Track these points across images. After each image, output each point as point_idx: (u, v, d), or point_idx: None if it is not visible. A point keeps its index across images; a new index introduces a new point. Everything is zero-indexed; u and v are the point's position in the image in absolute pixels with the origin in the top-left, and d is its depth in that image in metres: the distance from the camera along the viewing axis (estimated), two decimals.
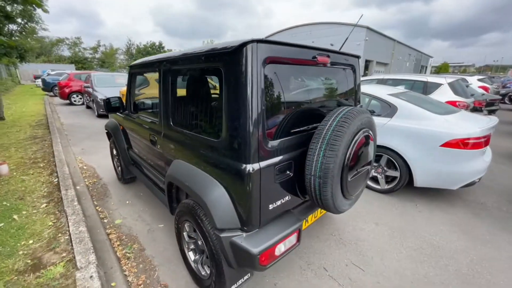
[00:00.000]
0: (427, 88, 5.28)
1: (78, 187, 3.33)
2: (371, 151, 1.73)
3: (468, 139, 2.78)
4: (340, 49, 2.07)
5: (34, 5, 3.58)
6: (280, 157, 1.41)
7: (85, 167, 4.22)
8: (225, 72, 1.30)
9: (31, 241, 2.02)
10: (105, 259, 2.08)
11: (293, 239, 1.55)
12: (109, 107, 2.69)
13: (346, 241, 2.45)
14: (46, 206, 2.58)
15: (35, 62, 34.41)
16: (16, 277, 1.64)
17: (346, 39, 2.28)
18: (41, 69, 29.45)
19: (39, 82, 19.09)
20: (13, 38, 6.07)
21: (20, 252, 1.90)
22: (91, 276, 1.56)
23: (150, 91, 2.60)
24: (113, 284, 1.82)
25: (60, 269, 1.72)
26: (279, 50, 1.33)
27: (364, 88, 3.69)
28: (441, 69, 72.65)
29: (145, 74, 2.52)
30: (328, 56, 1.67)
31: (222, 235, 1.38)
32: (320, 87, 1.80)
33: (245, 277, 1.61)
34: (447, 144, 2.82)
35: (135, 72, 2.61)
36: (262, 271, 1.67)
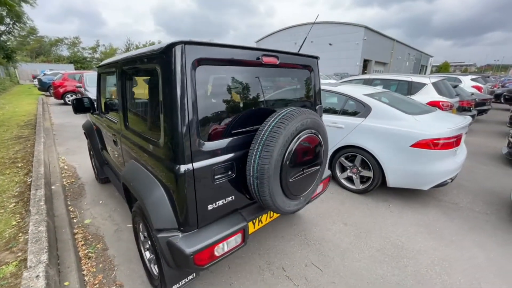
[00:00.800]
0: (411, 88, 5.27)
1: (53, 187, 3.34)
2: (320, 152, 1.73)
3: (438, 139, 2.77)
4: (299, 50, 2.08)
5: (6, 6, 3.57)
6: (218, 158, 1.42)
7: (66, 167, 4.25)
8: (159, 73, 1.31)
9: (8, 232, 2.05)
10: (65, 258, 2.09)
11: (237, 239, 1.56)
12: (76, 107, 2.71)
13: (311, 241, 2.46)
14: (14, 206, 2.60)
15: (34, 62, 34.53)
16: None
17: (305, 38, 2.28)
18: (39, 69, 29.56)
19: (36, 82, 19.18)
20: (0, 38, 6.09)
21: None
22: (37, 276, 1.57)
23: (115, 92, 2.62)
24: (66, 283, 1.83)
25: (11, 269, 1.74)
26: (214, 51, 1.34)
27: (342, 88, 3.69)
28: (441, 69, 72.40)
29: (109, 75, 2.54)
30: (277, 57, 1.67)
31: (159, 235, 1.39)
32: (268, 88, 1.80)
33: (189, 277, 1.62)
34: (417, 145, 2.82)
35: (102, 72, 2.63)
36: (200, 271, 1.66)
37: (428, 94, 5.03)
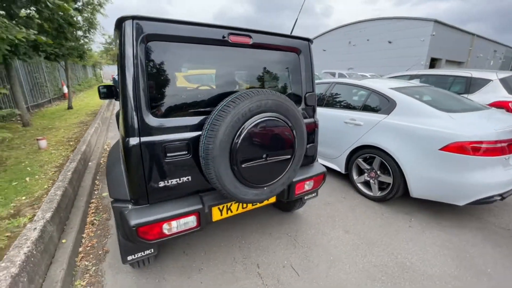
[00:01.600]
0: (470, 86, 4.32)
1: (90, 163, 3.90)
2: (290, 140, 1.56)
3: (479, 142, 2.20)
4: (291, 33, 1.93)
5: (62, 12, 4.31)
6: (170, 136, 1.41)
7: (108, 149, 4.90)
8: (116, 47, 1.38)
9: (24, 197, 2.50)
10: (72, 221, 2.41)
11: (191, 221, 1.53)
12: (101, 93, 3.09)
13: (299, 243, 2.25)
14: (52, 173, 3.12)
15: (114, 65, 41.04)
16: None
17: (295, 23, 2.09)
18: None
19: (112, 80, 22.90)
20: (79, 42, 7.45)
21: (12, 204, 2.37)
22: (34, 228, 1.84)
23: None
24: (63, 240, 2.10)
25: (25, 220, 2.09)
26: (168, 28, 1.33)
27: (366, 82, 3.28)
28: None
29: None
30: (249, 36, 1.58)
31: (114, 205, 1.47)
32: (240, 71, 1.71)
33: (146, 252, 1.65)
34: (448, 148, 2.29)
35: None
36: (148, 245, 1.62)
37: (493, 93, 4.04)
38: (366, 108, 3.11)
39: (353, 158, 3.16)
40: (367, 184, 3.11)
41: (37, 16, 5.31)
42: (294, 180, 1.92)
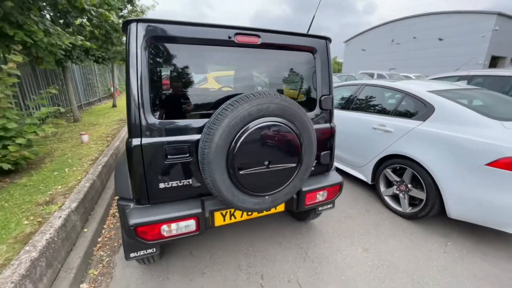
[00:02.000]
0: None
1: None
2: (295, 147, 1.44)
3: None
4: (308, 31, 1.81)
5: (105, 20, 4.70)
6: (170, 138, 1.40)
7: None
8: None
9: (59, 187, 2.78)
10: (96, 212, 2.60)
11: (190, 225, 1.51)
12: None
13: (310, 257, 2.09)
14: (87, 166, 3.44)
15: None
16: (32, 206, 2.33)
17: (312, 19, 1.92)
18: None
19: None
20: (123, 46, 8.17)
21: (49, 192, 2.65)
22: (59, 217, 2.02)
23: None
24: (85, 230, 2.27)
25: (55, 208, 2.31)
26: (171, 30, 1.33)
27: (400, 84, 2.94)
28: None
29: None
30: (257, 36, 1.50)
31: (118, 202, 1.52)
32: (245, 71, 1.63)
33: (149, 250, 1.67)
34: (498, 164, 1.92)
35: None
36: (147, 245, 1.60)
37: None
38: (398, 113, 2.79)
39: (381, 168, 2.86)
40: (395, 198, 2.79)
41: (88, 24, 5.97)
42: (304, 189, 1.78)
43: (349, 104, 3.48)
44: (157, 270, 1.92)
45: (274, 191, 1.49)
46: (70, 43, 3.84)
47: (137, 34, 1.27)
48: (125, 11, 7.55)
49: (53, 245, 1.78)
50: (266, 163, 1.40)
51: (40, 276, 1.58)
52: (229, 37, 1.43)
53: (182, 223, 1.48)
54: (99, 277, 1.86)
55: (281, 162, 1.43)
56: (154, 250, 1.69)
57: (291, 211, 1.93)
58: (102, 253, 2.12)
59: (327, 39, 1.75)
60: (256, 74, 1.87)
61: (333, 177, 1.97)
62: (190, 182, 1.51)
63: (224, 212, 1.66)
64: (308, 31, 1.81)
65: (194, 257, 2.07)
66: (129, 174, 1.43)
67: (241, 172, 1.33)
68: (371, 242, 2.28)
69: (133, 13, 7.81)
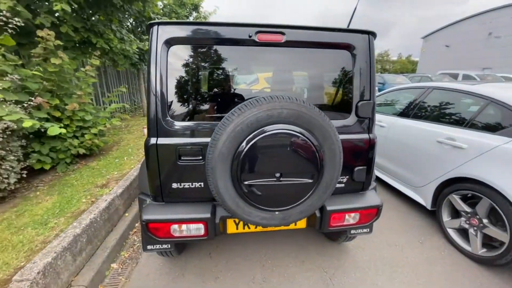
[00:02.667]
0: None
1: None
2: (313, 161, 1.23)
3: None
4: (348, 25, 1.58)
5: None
6: (184, 139, 1.40)
7: None
8: None
9: (116, 173, 3.21)
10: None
11: (199, 229, 1.49)
12: None
13: (333, 285, 1.82)
14: (142, 156, 3.89)
15: None
16: (92, 187, 2.74)
17: (354, 12, 1.61)
18: None
19: None
20: None
21: (107, 177, 3.09)
22: (105, 200, 2.31)
23: None
24: (126, 214, 2.54)
25: (106, 191, 2.66)
26: (189, 31, 1.31)
27: (483, 88, 2.29)
28: None
29: None
30: (281, 33, 1.36)
31: (139, 196, 1.61)
32: (268, 72, 1.48)
33: (164, 246, 1.71)
34: None
35: None
36: (158, 241, 1.58)
37: None
38: (475, 124, 2.17)
39: (445, 192, 2.29)
40: (463, 232, 2.19)
41: None
42: (329, 208, 1.55)
43: (409, 110, 2.93)
44: (175, 265, 1.99)
45: (286, 208, 1.32)
46: (138, 48, 4.40)
47: (158, 36, 1.30)
48: (191, 18, 8.30)
49: (95, 225, 2.04)
50: (278, 175, 1.25)
51: (79, 250, 1.82)
52: (250, 36, 1.34)
53: (191, 226, 1.47)
54: (128, 260, 2.04)
55: (295, 176, 1.26)
56: (169, 246, 1.73)
57: None
58: (135, 237, 2.33)
59: (371, 34, 1.46)
60: (303, 74, 1.72)
61: (370, 198, 1.66)
62: (202, 186, 1.48)
63: (237, 220, 1.58)
64: (348, 25, 1.56)
65: (212, 259, 2.06)
66: (147, 171, 1.50)
67: (246, 183, 1.22)
68: (419, 285, 1.84)
69: (197, 20, 8.53)
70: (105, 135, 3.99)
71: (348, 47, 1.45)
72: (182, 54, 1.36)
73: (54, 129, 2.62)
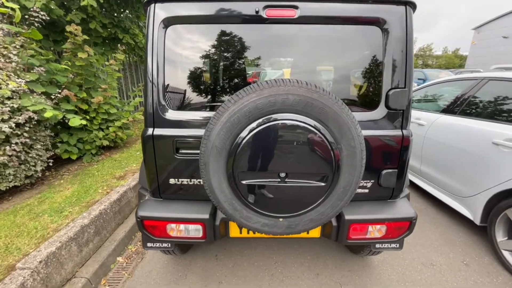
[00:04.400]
0: None
1: None
2: (327, 159, 1.00)
3: None
4: None
5: None
6: (183, 130, 1.26)
7: None
8: None
9: (134, 165, 3.26)
10: None
11: (197, 230, 1.35)
12: None
13: None
14: None
15: None
16: (110, 178, 2.79)
17: None
18: None
19: None
20: None
21: (125, 168, 3.14)
22: (118, 192, 2.31)
23: None
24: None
25: (122, 183, 2.68)
26: (188, 7, 1.16)
27: None
28: None
29: None
30: (293, 8, 1.15)
31: (139, 190, 1.52)
32: (278, 54, 1.26)
33: (164, 244, 1.61)
34: None
35: None
36: (156, 240, 1.44)
37: None
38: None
39: (501, 206, 1.86)
40: None
41: None
42: (348, 217, 1.30)
43: (456, 106, 2.48)
44: (179, 265, 1.89)
45: (291, 214, 1.11)
46: None
47: (155, 16, 1.17)
48: None
49: (104, 216, 2.03)
50: (282, 175, 1.04)
51: (86, 241, 1.81)
52: (256, 12, 1.14)
53: (190, 226, 1.34)
54: (134, 255, 2.00)
55: (303, 177, 1.04)
56: (169, 245, 1.63)
57: None
58: None
59: (409, 5, 1.17)
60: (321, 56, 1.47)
61: (401, 208, 1.37)
62: (202, 183, 1.34)
63: None
64: None
65: (218, 261, 1.92)
66: (144, 164, 1.40)
67: (244, 182, 1.04)
68: None
69: None
70: (129, 128, 4.11)
71: (377, 22, 1.18)
72: (181, 35, 1.22)
73: (75, 120, 2.70)
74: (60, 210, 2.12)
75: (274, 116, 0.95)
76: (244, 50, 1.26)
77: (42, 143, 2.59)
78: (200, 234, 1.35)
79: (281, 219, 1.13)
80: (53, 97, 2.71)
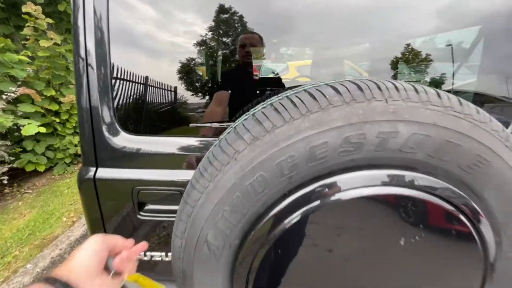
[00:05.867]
0: None
1: None
2: (473, 270, 0.43)
3: None
4: None
5: None
6: (148, 171, 0.69)
7: None
8: None
9: None
10: None
11: None
12: None
13: None
14: None
15: None
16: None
17: None
18: None
19: None
20: None
21: None
22: (84, 225, 1.77)
23: None
24: None
25: None
26: None
27: None
28: None
29: None
30: None
31: None
32: (312, 35, 0.68)
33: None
34: None
35: None
36: None
37: None
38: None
39: None
40: None
41: None
42: None
43: None
44: None
45: None
46: None
47: None
48: None
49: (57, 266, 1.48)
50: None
51: None
52: None
53: None
54: None
55: None
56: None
57: None
58: None
59: None
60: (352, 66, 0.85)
61: None
62: None
63: None
64: None
65: None
66: (87, 225, 0.83)
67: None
68: None
69: None
70: None
71: None
72: (135, 6, 0.63)
73: (29, 128, 2.10)
74: (2, 254, 1.57)
75: (354, 175, 0.37)
76: (243, 29, 0.67)
77: None
78: None
79: None
80: (4, 96, 2.12)
